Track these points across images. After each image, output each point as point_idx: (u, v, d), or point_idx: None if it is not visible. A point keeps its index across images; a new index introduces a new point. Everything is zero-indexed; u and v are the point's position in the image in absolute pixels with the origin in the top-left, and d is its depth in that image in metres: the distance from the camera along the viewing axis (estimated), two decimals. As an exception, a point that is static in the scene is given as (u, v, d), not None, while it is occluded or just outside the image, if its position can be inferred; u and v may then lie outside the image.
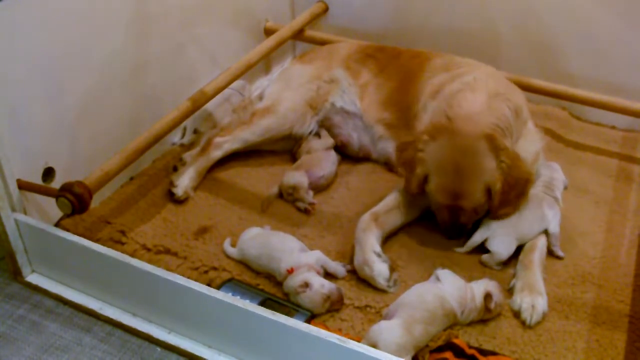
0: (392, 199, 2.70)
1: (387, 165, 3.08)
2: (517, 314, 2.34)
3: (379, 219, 2.60)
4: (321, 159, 3.00)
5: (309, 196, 2.84)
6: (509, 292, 2.43)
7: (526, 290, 2.37)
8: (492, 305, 2.27)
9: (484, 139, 2.44)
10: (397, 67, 3.14)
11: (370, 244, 2.48)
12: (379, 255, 2.45)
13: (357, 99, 3.17)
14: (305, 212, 2.81)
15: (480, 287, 2.31)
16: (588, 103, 3.23)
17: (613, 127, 3.39)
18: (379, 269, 2.42)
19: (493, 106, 2.54)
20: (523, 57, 3.48)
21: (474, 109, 2.52)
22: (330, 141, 3.13)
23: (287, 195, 2.84)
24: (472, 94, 2.58)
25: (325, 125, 3.20)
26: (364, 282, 2.45)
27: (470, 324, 2.29)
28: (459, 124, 2.48)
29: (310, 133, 3.16)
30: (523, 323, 2.31)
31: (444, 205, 2.55)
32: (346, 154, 3.17)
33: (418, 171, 2.55)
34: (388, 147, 3.05)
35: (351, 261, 2.51)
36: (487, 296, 2.28)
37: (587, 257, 2.59)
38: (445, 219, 2.58)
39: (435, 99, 2.72)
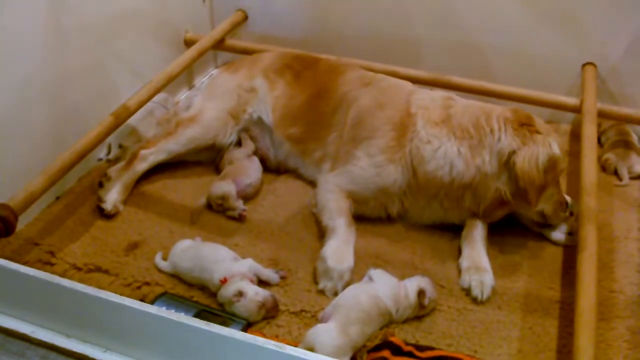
0: (339, 199, 2.73)
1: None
2: (467, 292, 2.43)
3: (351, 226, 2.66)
4: (246, 167, 3.00)
5: (240, 204, 2.84)
6: (444, 287, 2.49)
7: (473, 269, 2.49)
8: (425, 302, 2.32)
9: None
10: (310, 80, 3.13)
11: (351, 258, 2.53)
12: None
13: (270, 111, 3.16)
14: (240, 218, 2.81)
15: (414, 284, 2.36)
16: (506, 97, 3.32)
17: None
18: (344, 284, 2.45)
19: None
20: (442, 56, 3.57)
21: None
22: (251, 147, 3.13)
23: (217, 206, 2.84)
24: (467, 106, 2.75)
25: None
26: (298, 287, 2.47)
27: (406, 321, 2.34)
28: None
29: (231, 144, 3.15)
30: (474, 300, 2.41)
31: None
32: (267, 168, 3.15)
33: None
34: (298, 163, 3.09)
35: (281, 264, 2.54)
36: (421, 292, 2.33)
37: (515, 247, 2.70)
38: None
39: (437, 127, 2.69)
